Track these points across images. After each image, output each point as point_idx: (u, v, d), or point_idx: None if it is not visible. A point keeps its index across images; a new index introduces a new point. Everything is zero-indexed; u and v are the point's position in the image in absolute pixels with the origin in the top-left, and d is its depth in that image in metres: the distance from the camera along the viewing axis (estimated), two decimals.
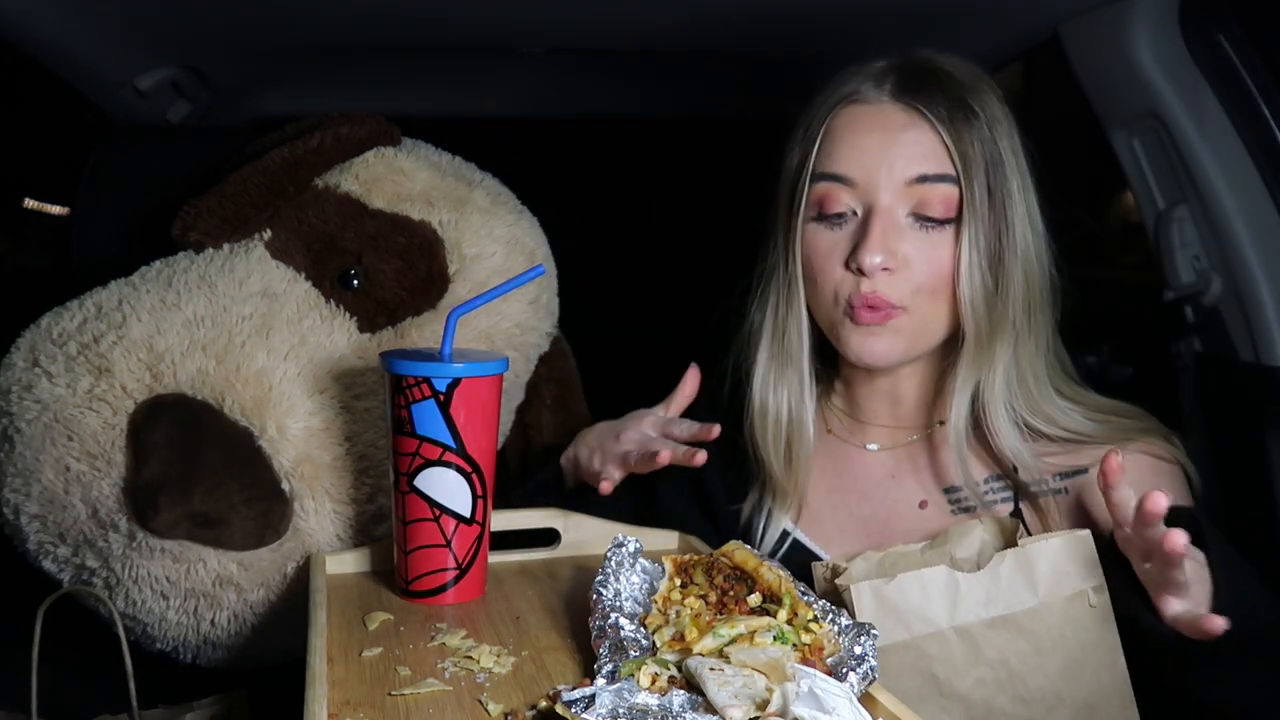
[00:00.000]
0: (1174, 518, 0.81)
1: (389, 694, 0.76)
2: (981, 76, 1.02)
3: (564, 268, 1.43)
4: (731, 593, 0.83)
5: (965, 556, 0.98)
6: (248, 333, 1.18)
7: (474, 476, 0.94)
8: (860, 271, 0.98)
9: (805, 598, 0.81)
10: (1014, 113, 1.03)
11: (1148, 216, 1.27)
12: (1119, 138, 1.26)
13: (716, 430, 1.05)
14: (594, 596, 0.82)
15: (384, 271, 1.25)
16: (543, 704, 0.72)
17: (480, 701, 0.74)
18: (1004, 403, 1.00)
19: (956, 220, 0.98)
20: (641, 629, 0.79)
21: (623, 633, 0.77)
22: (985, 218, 0.97)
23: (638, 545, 0.88)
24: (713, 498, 1.14)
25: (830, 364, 1.12)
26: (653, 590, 0.85)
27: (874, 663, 0.74)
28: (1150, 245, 1.28)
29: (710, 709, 0.68)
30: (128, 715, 1.06)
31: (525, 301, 1.33)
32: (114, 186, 1.70)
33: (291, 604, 1.16)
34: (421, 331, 1.26)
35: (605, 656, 0.75)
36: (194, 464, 1.09)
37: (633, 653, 0.75)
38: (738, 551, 0.88)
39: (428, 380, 0.91)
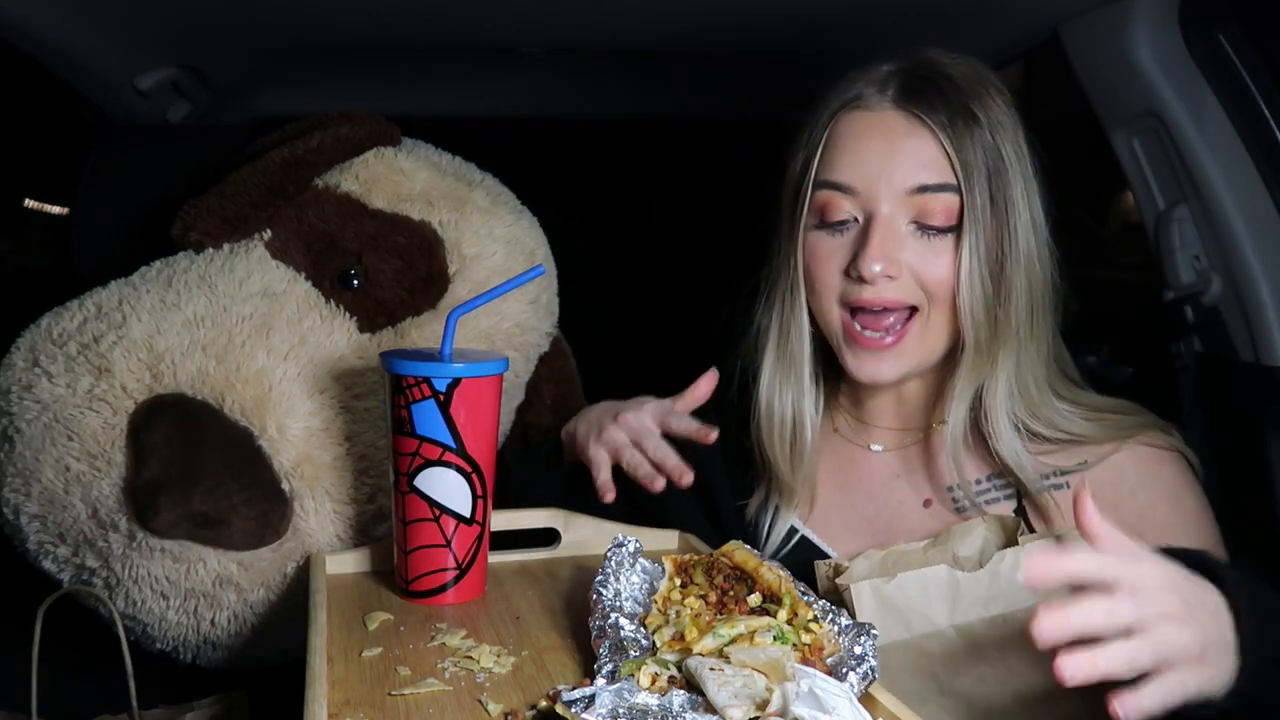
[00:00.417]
0: (1183, 557, 0.74)
1: (389, 694, 0.76)
2: (987, 80, 1.02)
3: (564, 268, 1.43)
4: (731, 593, 0.83)
5: (967, 555, 0.98)
6: (248, 333, 1.18)
7: (474, 476, 0.94)
8: (861, 279, 0.98)
9: (805, 598, 0.81)
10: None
11: (1148, 216, 1.27)
12: (1119, 138, 1.26)
13: (714, 435, 1.06)
14: (594, 596, 0.82)
15: (384, 271, 1.25)
16: (543, 704, 0.72)
17: (480, 701, 0.74)
18: (1005, 408, 1.00)
19: (957, 228, 0.98)
20: (641, 629, 0.79)
21: (623, 633, 0.77)
22: (987, 225, 0.97)
23: (638, 545, 0.88)
24: (716, 495, 1.15)
25: (838, 367, 1.12)
26: (653, 590, 0.85)
27: (874, 663, 0.74)
28: (1150, 245, 1.28)
29: (710, 709, 0.68)
30: (128, 715, 1.06)
31: (525, 301, 1.33)
32: (114, 186, 1.70)
33: (291, 604, 1.16)
34: (421, 331, 1.26)
35: (605, 656, 0.75)
36: (194, 464, 1.09)
37: (633, 653, 0.75)
38: (738, 551, 0.88)
39: (428, 380, 0.91)
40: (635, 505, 1.16)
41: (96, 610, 1.18)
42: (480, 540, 0.96)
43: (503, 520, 1.04)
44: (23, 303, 1.27)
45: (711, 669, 0.70)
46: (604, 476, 1.07)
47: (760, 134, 1.86)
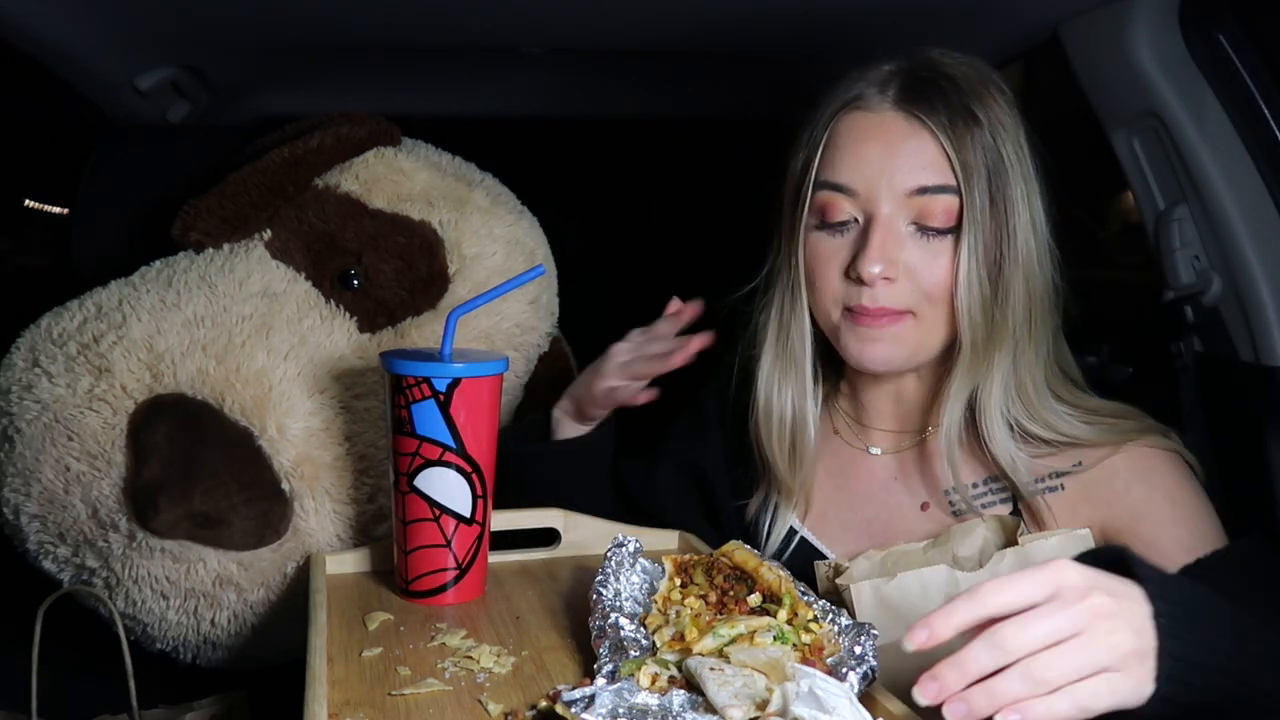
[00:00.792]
0: (1097, 557, 0.69)
1: (389, 694, 0.76)
2: (989, 80, 1.01)
3: (564, 268, 1.43)
4: (731, 593, 0.83)
5: (967, 555, 0.98)
6: (248, 333, 1.18)
7: (474, 476, 0.94)
8: (860, 280, 0.98)
9: (805, 598, 0.81)
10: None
11: (1148, 216, 1.27)
12: (1119, 138, 1.26)
13: (690, 312, 1.08)
14: (594, 596, 0.82)
15: (384, 271, 1.25)
16: (543, 704, 0.72)
17: (480, 701, 0.74)
18: (1000, 410, 1.00)
19: (956, 229, 0.98)
20: (641, 629, 0.79)
21: (623, 633, 0.77)
22: (986, 226, 0.97)
23: (638, 545, 0.88)
24: (716, 492, 1.15)
25: (837, 367, 1.12)
26: (653, 590, 0.85)
27: (874, 663, 0.74)
28: (1150, 245, 1.27)
29: (710, 709, 0.68)
30: (128, 715, 1.06)
31: (525, 301, 1.33)
32: (114, 186, 1.70)
33: (291, 604, 1.16)
34: (421, 331, 1.26)
35: (605, 656, 0.75)
36: (194, 464, 1.09)
37: (633, 653, 0.75)
38: (738, 551, 0.88)
39: (428, 380, 0.91)
40: (635, 505, 1.16)
41: (96, 610, 1.18)
42: (480, 540, 0.96)
43: (503, 520, 1.04)
44: (23, 303, 1.28)
45: (711, 669, 0.70)
46: (629, 389, 1.08)
47: (760, 134, 1.86)
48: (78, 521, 1.12)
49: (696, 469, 1.16)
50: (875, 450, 1.11)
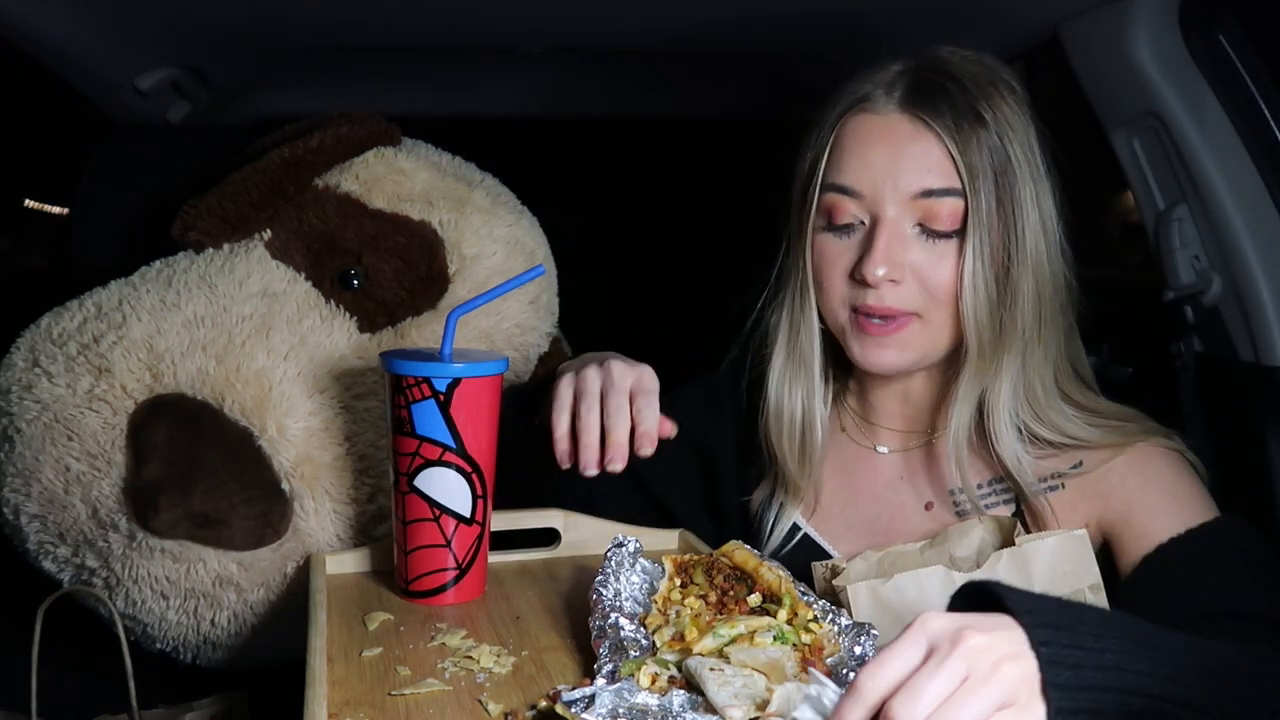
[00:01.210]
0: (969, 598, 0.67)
1: (389, 694, 0.76)
2: (997, 78, 1.01)
3: (564, 268, 1.43)
4: (731, 593, 0.83)
5: (964, 555, 0.98)
6: (248, 333, 1.18)
7: (474, 476, 0.94)
8: (865, 282, 0.98)
9: (805, 598, 0.81)
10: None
11: (1148, 216, 1.27)
12: (1119, 138, 1.26)
13: (649, 450, 0.96)
14: (594, 596, 0.82)
15: (384, 271, 1.25)
16: (543, 704, 0.72)
17: (480, 701, 0.75)
18: (1009, 412, 1.00)
19: (962, 231, 0.97)
20: (641, 629, 0.79)
21: (623, 633, 0.78)
22: (992, 228, 0.97)
23: (638, 545, 0.88)
24: (720, 488, 1.15)
25: (846, 366, 1.12)
26: (653, 590, 0.85)
27: None
28: (1150, 245, 1.27)
29: (710, 709, 0.68)
30: (128, 715, 1.06)
31: (525, 301, 1.33)
32: (114, 186, 1.70)
33: (291, 604, 1.16)
34: (421, 331, 1.26)
35: (605, 656, 0.75)
36: (194, 464, 1.09)
37: (633, 653, 0.75)
38: (737, 551, 0.88)
39: (428, 380, 0.91)
40: (637, 482, 1.15)
41: (96, 610, 1.18)
42: (480, 540, 0.96)
43: (503, 520, 1.04)
44: (23, 303, 1.27)
45: (711, 669, 0.70)
46: (560, 427, 0.96)
47: (760, 134, 1.86)
48: (78, 521, 1.12)
49: (706, 450, 1.16)
50: (882, 449, 1.11)
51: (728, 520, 1.14)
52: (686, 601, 0.82)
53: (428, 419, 0.92)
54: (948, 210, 0.97)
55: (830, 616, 0.79)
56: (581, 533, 1.07)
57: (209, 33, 1.40)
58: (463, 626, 0.89)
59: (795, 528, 1.10)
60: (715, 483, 1.16)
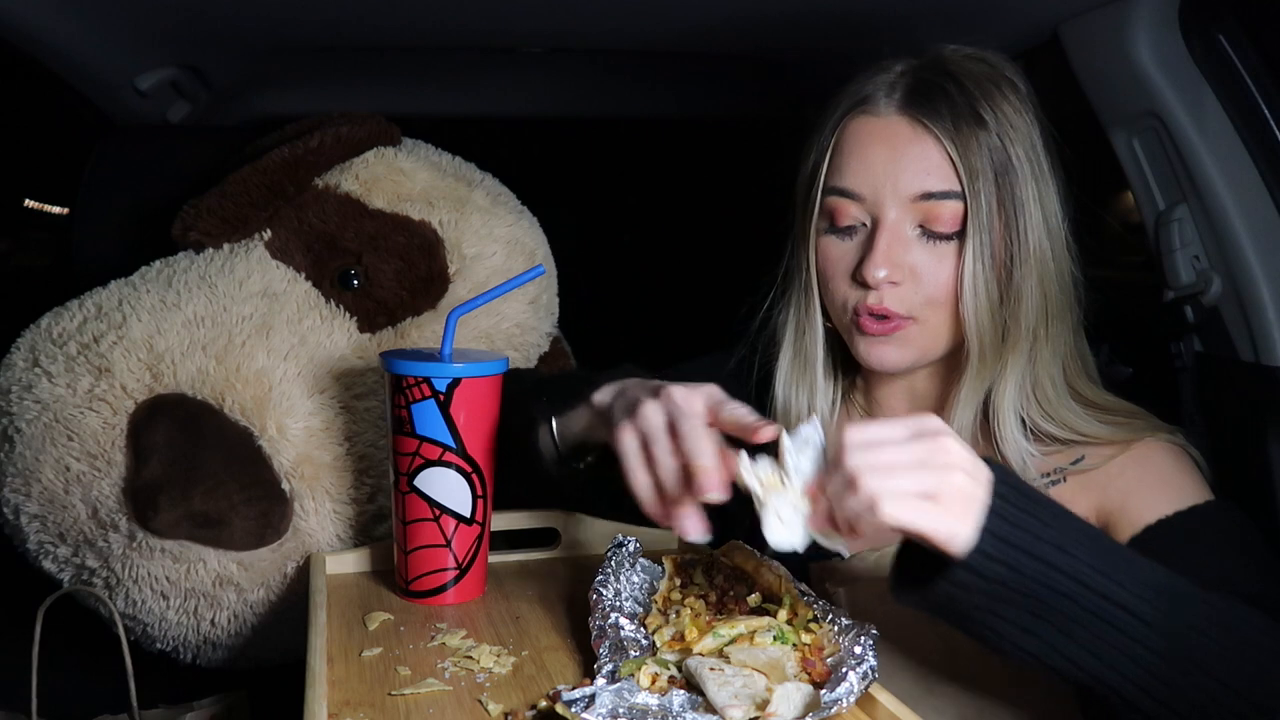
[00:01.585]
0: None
1: (389, 694, 0.76)
2: (1000, 77, 1.01)
3: (564, 268, 1.43)
4: (731, 593, 0.84)
5: None
6: (248, 333, 1.18)
7: (474, 476, 0.94)
8: (865, 284, 0.98)
9: (805, 598, 0.81)
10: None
11: (1148, 216, 1.27)
12: (1119, 138, 1.26)
13: (770, 432, 0.80)
14: (594, 596, 0.82)
15: (384, 271, 1.25)
16: (543, 704, 0.72)
17: (480, 701, 0.75)
18: (1015, 411, 1.00)
19: (962, 233, 0.97)
20: (641, 629, 0.79)
21: (623, 633, 0.78)
22: (993, 230, 0.97)
23: (638, 545, 0.89)
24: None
25: (854, 364, 1.12)
26: (653, 590, 0.85)
27: (874, 662, 0.74)
28: (1150, 245, 1.27)
29: (710, 709, 0.68)
30: (128, 715, 1.06)
31: (525, 301, 1.33)
32: (114, 186, 1.70)
33: (291, 604, 1.16)
34: (421, 331, 1.26)
35: (605, 656, 0.76)
36: (194, 464, 1.09)
37: (633, 653, 0.75)
38: (737, 551, 0.88)
39: (428, 380, 0.91)
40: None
41: (96, 610, 1.18)
42: (480, 540, 0.96)
43: (503, 520, 1.04)
44: (23, 303, 1.27)
45: (711, 669, 0.70)
46: (642, 490, 0.80)
47: (760, 134, 1.86)
48: (78, 521, 1.12)
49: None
50: None
51: (733, 519, 1.14)
52: (686, 601, 0.82)
53: (428, 419, 0.92)
54: (948, 212, 0.97)
55: (830, 616, 0.79)
56: (582, 533, 1.08)
57: (209, 33, 1.40)
58: (463, 626, 0.89)
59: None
60: None
